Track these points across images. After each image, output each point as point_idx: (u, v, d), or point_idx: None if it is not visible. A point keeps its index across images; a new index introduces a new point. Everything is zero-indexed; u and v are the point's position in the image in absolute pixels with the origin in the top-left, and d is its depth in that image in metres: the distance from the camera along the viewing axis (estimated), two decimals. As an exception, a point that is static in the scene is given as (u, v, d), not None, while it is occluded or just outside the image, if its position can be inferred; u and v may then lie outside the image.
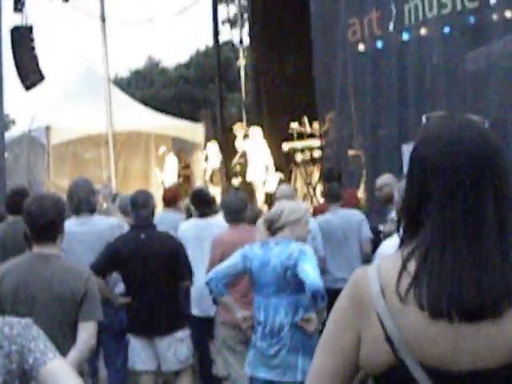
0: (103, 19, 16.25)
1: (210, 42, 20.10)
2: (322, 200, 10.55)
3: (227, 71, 22.86)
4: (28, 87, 13.08)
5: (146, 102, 21.45)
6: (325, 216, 7.28)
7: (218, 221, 6.63)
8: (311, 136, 13.71)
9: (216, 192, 13.42)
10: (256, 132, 13.89)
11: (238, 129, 14.85)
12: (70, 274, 3.82)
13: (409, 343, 1.55)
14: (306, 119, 13.83)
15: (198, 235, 6.79)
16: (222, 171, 15.54)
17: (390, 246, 3.64)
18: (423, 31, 9.83)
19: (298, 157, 13.68)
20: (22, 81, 12.89)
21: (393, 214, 5.56)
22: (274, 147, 13.83)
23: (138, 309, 5.67)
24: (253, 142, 13.80)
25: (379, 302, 1.59)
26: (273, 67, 15.86)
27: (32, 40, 12.94)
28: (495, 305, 1.51)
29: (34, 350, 2.06)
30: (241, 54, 18.07)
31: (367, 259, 7.02)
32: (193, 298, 6.78)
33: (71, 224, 5.54)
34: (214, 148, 15.72)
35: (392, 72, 10.13)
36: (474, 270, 1.53)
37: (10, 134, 17.53)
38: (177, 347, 5.73)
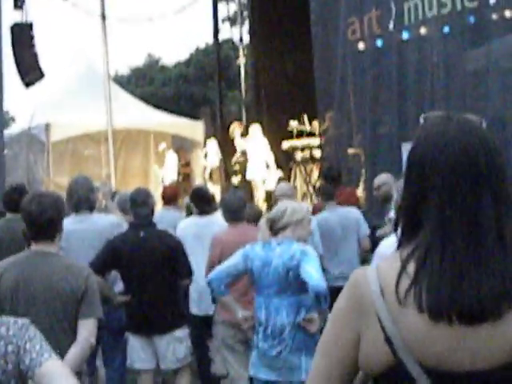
0: (103, 17, 16.24)
1: (210, 40, 20.13)
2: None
3: (227, 69, 22.86)
4: (28, 84, 13.06)
5: (145, 100, 21.45)
6: (322, 214, 7.28)
7: (218, 219, 6.63)
8: (311, 134, 13.70)
9: (215, 190, 13.41)
10: (256, 130, 13.88)
11: (235, 128, 14.83)
12: (70, 271, 3.82)
13: (408, 344, 1.55)
14: (305, 117, 13.82)
15: (198, 233, 6.80)
16: (222, 169, 15.54)
17: (389, 245, 3.64)
18: (423, 30, 9.82)
19: (298, 155, 13.67)
20: (22, 78, 12.88)
21: (391, 214, 5.56)
22: (274, 145, 13.81)
23: (137, 307, 5.67)
24: (252, 140, 13.79)
25: (379, 302, 1.59)
26: (273, 65, 15.84)
27: (32, 37, 12.91)
28: (495, 306, 1.51)
29: (30, 350, 2.05)
30: (241, 52, 18.05)
31: (366, 256, 7.04)
32: (192, 297, 6.78)
33: (70, 222, 5.54)
34: (213, 146, 15.72)
35: (392, 71, 10.13)
36: (474, 272, 1.53)
37: (10, 132, 17.53)
38: (176, 346, 5.72)
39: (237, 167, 14.61)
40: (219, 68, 17.03)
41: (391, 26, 10.11)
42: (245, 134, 14.45)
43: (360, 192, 10.39)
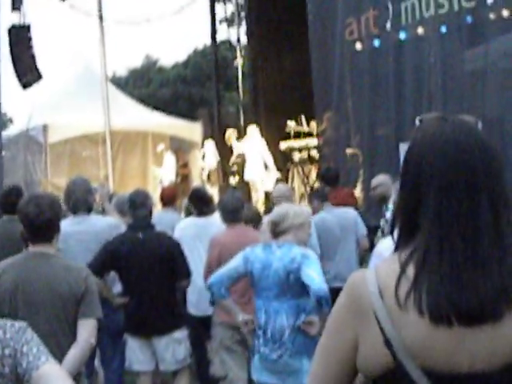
0: (101, 18, 16.23)
1: (208, 41, 20.06)
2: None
3: (225, 70, 22.85)
4: (25, 86, 13.08)
5: (143, 101, 21.46)
6: (320, 215, 7.27)
7: (217, 220, 6.63)
8: (309, 135, 13.71)
9: (213, 191, 13.40)
10: (253, 131, 13.87)
11: (230, 135, 14.80)
12: (69, 272, 3.82)
13: (408, 346, 1.55)
14: (303, 118, 13.84)
15: (196, 234, 6.79)
16: (220, 170, 15.53)
17: (387, 245, 3.64)
18: (420, 30, 9.84)
19: (296, 156, 13.67)
20: (20, 79, 12.89)
21: (388, 215, 5.57)
22: (272, 146, 13.81)
23: (136, 309, 5.66)
24: (250, 141, 13.77)
25: (378, 303, 1.58)
26: (270, 66, 15.85)
27: (30, 39, 12.93)
28: (494, 308, 1.51)
29: (27, 353, 2.05)
30: (238, 53, 18.05)
31: (365, 256, 7.04)
32: (190, 298, 6.77)
33: (68, 223, 5.54)
34: (211, 147, 15.72)
35: (389, 71, 10.15)
36: (473, 274, 1.53)
37: (8, 133, 17.52)
38: (175, 347, 5.71)
39: (234, 168, 14.60)
40: (217, 69, 17.05)
41: (388, 26, 10.13)
42: (242, 135, 14.43)
43: (358, 193, 10.40)
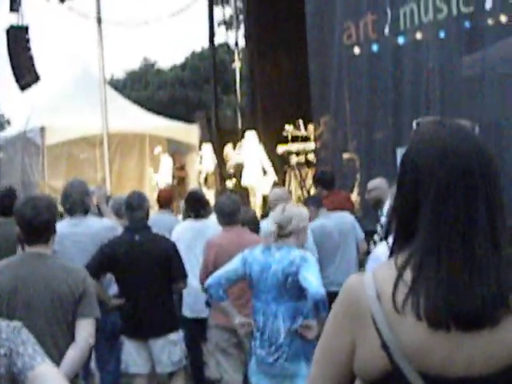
0: (99, 20, 16.21)
1: (206, 44, 20.07)
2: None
3: (223, 73, 22.85)
4: (23, 87, 13.09)
5: (141, 104, 21.44)
6: (318, 221, 7.23)
7: (213, 223, 6.63)
8: (306, 139, 13.70)
9: (210, 194, 13.39)
10: (251, 135, 13.85)
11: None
12: (68, 272, 3.82)
13: (406, 350, 1.55)
14: (300, 122, 13.83)
15: (193, 237, 6.79)
16: (217, 173, 15.52)
17: (385, 249, 3.65)
18: (419, 35, 9.85)
19: (293, 159, 13.66)
20: (17, 81, 12.90)
21: (383, 219, 5.57)
22: (269, 150, 13.79)
23: (132, 311, 5.66)
24: (247, 146, 13.75)
25: (375, 306, 1.58)
26: (268, 69, 15.84)
27: (28, 40, 12.94)
28: (492, 313, 1.52)
29: (23, 353, 2.04)
30: (236, 57, 18.04)
31: (362, 259, 7.03)
32: (185, 300, 6.77)
33: (65, 225, 5.54)
34: (208, 150, 15.71)
35: (387, 76, 10.15)
36: (470, 279, 1.53)
37: (5, 135, 17.55)
38: (171, 349, 5.71)
39: (232, 171, 14.59)
40: (215, 72, 17.03)
41: (387, 30, 10.13)
42: (239, 139, 14.42)
43: (355, 197, 10.40)
